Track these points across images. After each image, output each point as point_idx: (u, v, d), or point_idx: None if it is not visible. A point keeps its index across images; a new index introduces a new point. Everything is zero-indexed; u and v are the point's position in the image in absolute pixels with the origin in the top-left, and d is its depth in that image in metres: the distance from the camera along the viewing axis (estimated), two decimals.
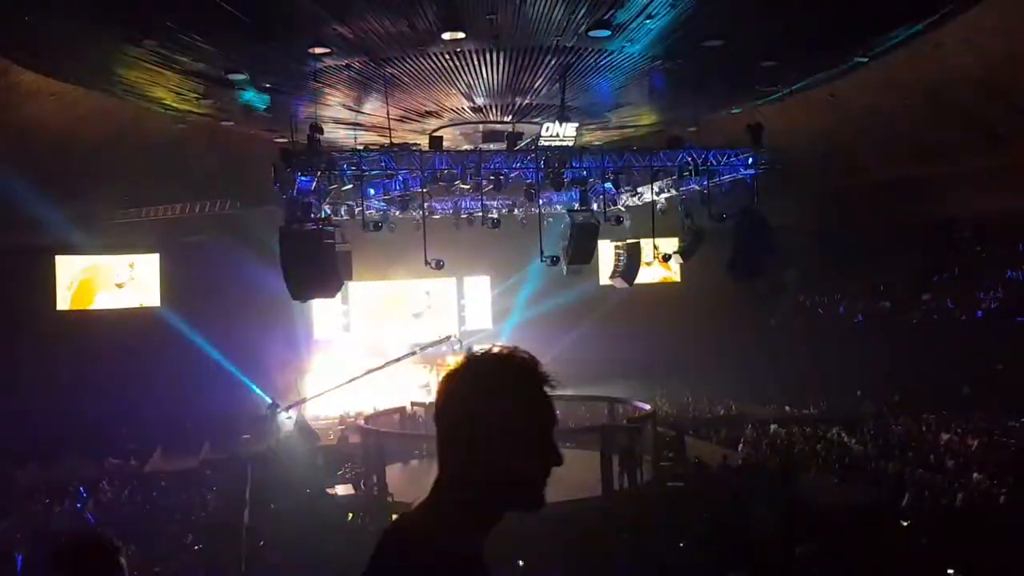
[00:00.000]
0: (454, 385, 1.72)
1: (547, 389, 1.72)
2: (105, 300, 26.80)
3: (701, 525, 12.87)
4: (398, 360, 25.72)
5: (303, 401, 25.17)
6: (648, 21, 12.14)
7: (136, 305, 26.93)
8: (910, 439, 20.28)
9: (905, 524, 13.84)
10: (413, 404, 22.82)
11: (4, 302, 22.72)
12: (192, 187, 22.93)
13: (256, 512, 15.35)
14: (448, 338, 25.86)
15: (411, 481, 19.07)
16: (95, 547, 2.67)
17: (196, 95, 15.36)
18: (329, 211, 16.60)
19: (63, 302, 26.20)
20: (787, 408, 24.59)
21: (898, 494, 15.74)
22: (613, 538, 13.80)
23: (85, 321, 25.62)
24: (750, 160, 16.38)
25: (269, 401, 25.01)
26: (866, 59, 15.33)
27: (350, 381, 24.37)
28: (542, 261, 17.58)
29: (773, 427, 22.22)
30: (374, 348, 28.02)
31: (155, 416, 23.20)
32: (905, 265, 25.42)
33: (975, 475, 16.51)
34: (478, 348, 1.76)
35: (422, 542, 1.67)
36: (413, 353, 27.01)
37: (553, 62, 13.61)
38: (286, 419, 24.20)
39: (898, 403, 22.89)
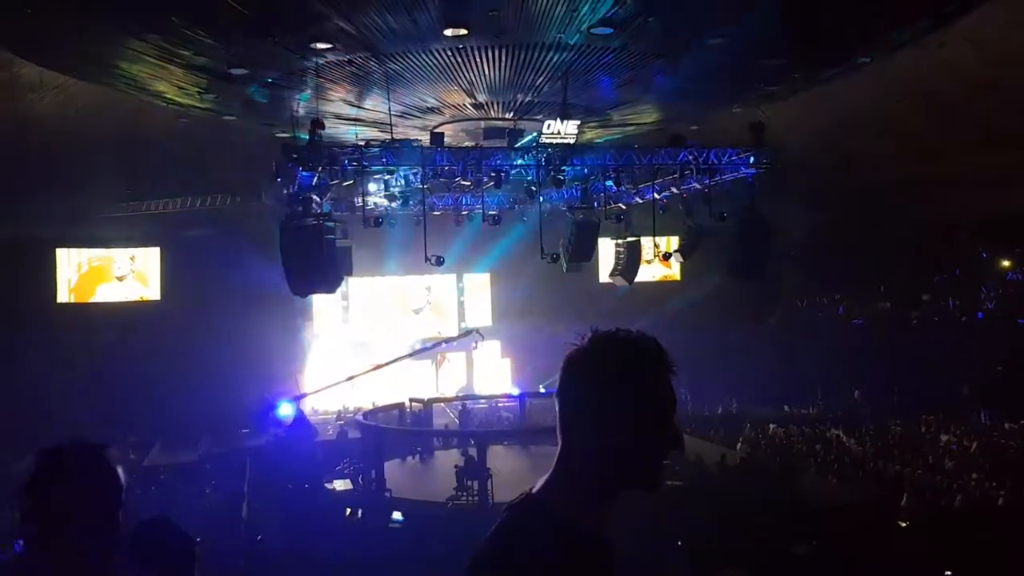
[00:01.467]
0: (578, 364, 1.76)
1: (669, 375, 1.76)
2: (106, 293, 26.82)
3: (699, 524, 12.88)
4: (413, 355, 25.69)
5: (303, 395, 25.15)
6: (651, 19, 12.12)
7: (136, 298, 26.95)
8: (909, 440, 20.29)
9: (904, 525, 13.86)
10: (412, 400, 22.84)
11: (4, 294, 22.73)
12: (194, 181, 22.92)
13: (254, 506, 15.36)
14: (471, 332, 25.83)
15: (409, 477, 19.11)
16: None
17: (198, 90, 15.34)
18: (330, 206, 16.61)
19: (64, 295, 26.23)
20: (786, 408, 24.60)
21: (897, 495, 15.75)
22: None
23: (85, 314, 25.64)
24: (751, 159, 16.36)
25: (267, 396, 25.00)
26: (869, 59, 15.31)
27: (355, 376, 24.37)
28: (542, 258, 17.59)
29: (772, 427, 22.22)
30: (374, 344, 28.01)
31: (154, 410, 23.21)
32: (905, 265, 25.41)
33: (974, 476, 16.53)
34: (603, 330, 1.79)
35: (542, 517, 1.71)
36: (431, 347, 27.02)
37: (555, 59, 13.59)
38: (285, 413, 24.19)
39: (897, 404, 22.90)
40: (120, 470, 2.32)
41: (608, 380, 1.72)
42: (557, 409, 1.79)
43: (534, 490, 1.80)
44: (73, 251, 26.48)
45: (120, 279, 27.10)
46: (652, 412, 1.73)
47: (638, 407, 1.71)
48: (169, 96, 16.07)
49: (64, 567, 2.21)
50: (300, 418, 23.65)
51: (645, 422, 1.72)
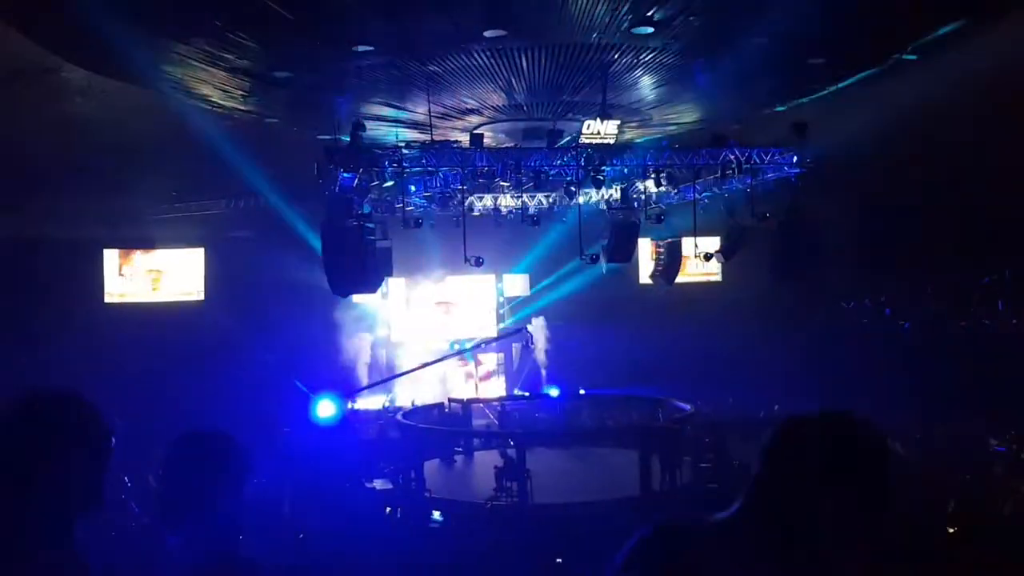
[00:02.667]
0: (804, 441, 1.75)
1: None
2: (150, 294, 27.26)
3: None
4: (462, 353, 25.72)
5: (352, 394, 25.35)
6: (692, 18, 12.02)
7: (181, 299, 27.36)
8: (957, 444, 19.87)
9: (951, 531, 13.57)
10: (451, 400, 22.92)
11: (52, 294, 23.22)
12: (237, 182, 23.19)
13: (295, 504, 15.51)
14: (521, 330, 25.86)
15: (449, 477, 19.16)
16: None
17: (241, 93, 15.54)
18: (370, 208, 16.73)
19: (111, 295, 26.72)
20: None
21: (944, 500, 15.43)
22: None
23: (131, 314, 26.08)
24: (795, 158, 16.17)
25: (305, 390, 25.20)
26: (915, 56, 15.03)
27: (398, 376, 24.48)
28: (581, 259, 17.55)
29: None
30: (414, 344, 28.08)
31: (198, 408, 23.52)
32: (955, 267, 24.88)
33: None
34: (830, 410, 1.82)
35: (703, 551, 1.71)
36: (480, 346, 27.07)
37: (595, 59, 13.55)
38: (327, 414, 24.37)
39: (945, 407, 22.41)
40: (112, 436, 2.17)
41: (830, 467, 1.71)
42: (761, 467, 1.77)
43: (704, 521, 1.79)
44: (119, 251, 26.96)
45: (162, 280, 27.52)
46: (866, 507, 1.71)
47: (850, 500, 1.69)
48: (213, 99, 16.30)
49: (24, 527, 1.95)
50: (344, 418, 23.88)
51: (854, 518, 1.71)
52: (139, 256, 27.33)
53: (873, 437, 1.76)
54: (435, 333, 28.67)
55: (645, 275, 23.84)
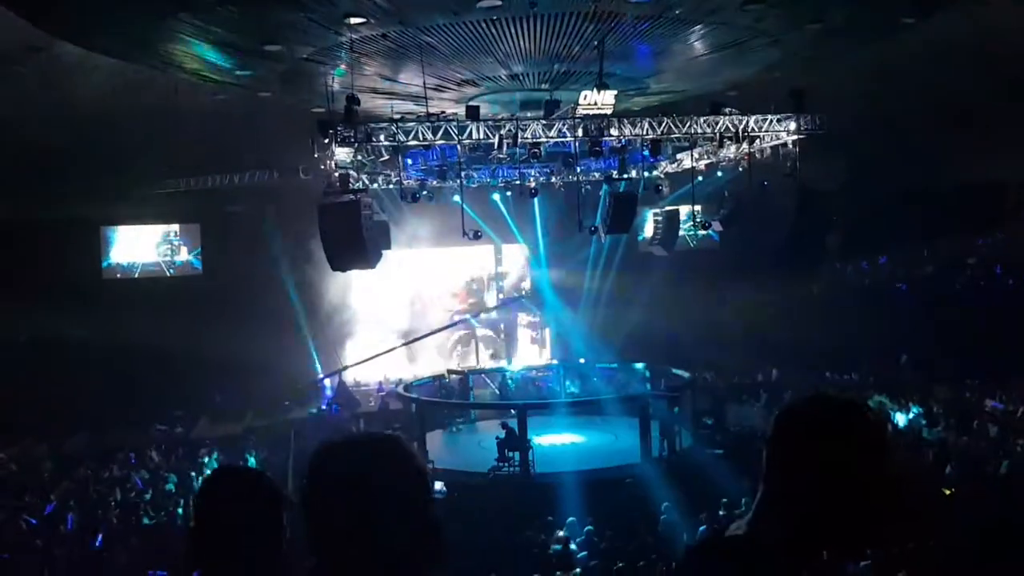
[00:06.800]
0: (803, 424, 1.75)
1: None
2: (148, 269, 27.25)
3: (740, 493, 12.86)
4: (465, 320, 25.75)
5: (343, 368, 25.43)
6: None
7: (179, 274, 27.35)
8: (954, 406, 20.01)
9: (948, 492, 13.71)
10: (450, 371, 23.01)
11: (50, 272, 23.18)
12: (232, 157, 23.03)
13: (298, 480, 15.62)
14: (521, 295, 25.94)
15: (451, 448, 19.31)
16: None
17: (233, 67, 15.38)
18: (367, 181, 16.64)
19: (109, 271, 26.71)
20: (828, 375, 24.35)
21: (941, 462, 15.57)
22: (652, 505, 13.87)
23: (130, 290, 26.07)
24: (792, 125, 16.08)
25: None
26: (913, 20, 14.90)
27: (399, 346, 24.57)
28: (580, 231, 17.55)
29: None
30: (413, 316, 28.07)
31: (200, 383, 23.62)
32: (950, 229, 24.92)
33: (1020, 442, 16.27)
34: (825, 392, 1.83)
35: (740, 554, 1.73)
36: (479, 313, 27.13)
37: (591, 28, 13.41)
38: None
39: (942, 369, 22.56)
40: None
41: (834, 447, 1.71)
42: (771, 456, 1.77)
43: (730, 532, 1.80)
44: (116, 228, 26.93)
45: (162, 255, 27.50)
46: (874, 484, 1.72)
47: (855, 476, 1.70)
48: (205, 73, 16.13)
49: None
50: (341, 390, 24.05)
51: (862, 491, 1.72)
52: (135, 232, 27.29)
53: (873, 426, 1.76)
54: (431, 306, 28.64)
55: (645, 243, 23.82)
